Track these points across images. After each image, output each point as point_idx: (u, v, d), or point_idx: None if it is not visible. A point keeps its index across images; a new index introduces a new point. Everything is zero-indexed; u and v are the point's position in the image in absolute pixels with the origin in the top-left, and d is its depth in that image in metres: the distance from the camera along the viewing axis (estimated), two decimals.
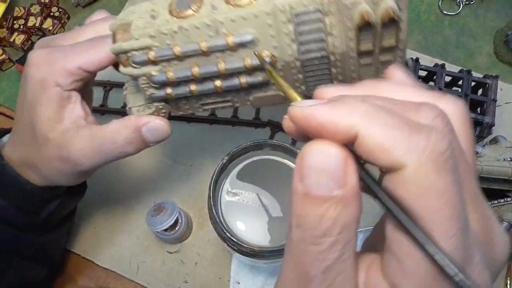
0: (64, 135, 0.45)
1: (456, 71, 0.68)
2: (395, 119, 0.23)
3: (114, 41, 0.39)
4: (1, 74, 0.81)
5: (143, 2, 0.39)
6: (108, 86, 0.77)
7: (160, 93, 0.42)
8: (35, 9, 0.82)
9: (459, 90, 0.66)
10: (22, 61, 0.79)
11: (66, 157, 0.46)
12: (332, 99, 0.25)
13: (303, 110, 0.24)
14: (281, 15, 0.35)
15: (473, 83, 0.67)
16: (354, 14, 0.34)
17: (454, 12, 0.80)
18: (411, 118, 0.24)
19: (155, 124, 0.44)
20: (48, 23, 0.81)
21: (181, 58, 0.38)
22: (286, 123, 0.27)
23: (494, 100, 0.65)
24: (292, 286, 0.25)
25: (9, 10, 0.82)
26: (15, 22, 0.82)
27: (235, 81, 0.40)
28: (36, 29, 0.82)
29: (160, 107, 0.44)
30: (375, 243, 0.28)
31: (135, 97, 0.45)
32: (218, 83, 0.40)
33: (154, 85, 0.41)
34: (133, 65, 0.39)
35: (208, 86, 0.41)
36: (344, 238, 0.24)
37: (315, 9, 0.34)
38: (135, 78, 0.41)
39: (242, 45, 0.37)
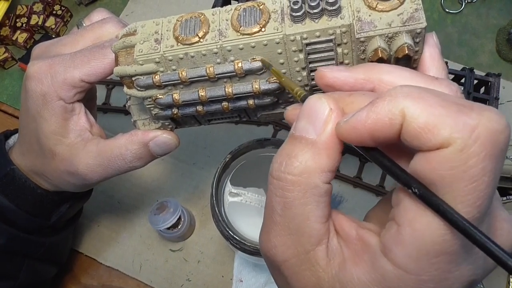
0: (71, 149, 0.45)
1: (459, 69, 0.68)
2: (439, 98, 0.23)
3: (117, 63, 0.38)
4: (4, 73, 0.81)
5: (146, 21, 0.38)
6: (111, 84, 0.77)
7: (166, 113, 0.41)
8: (38, 7, 0.82)
9: (462, 88, 0.66)
10: (24, 59, 0.80)
11: (74, 171, 0.45)
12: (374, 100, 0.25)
13: (347, 125, 0.26)
14: (291, 44, 0.34)
15: (475, 81, 0.67)
16: (368, 48, 0.32)
17: (457, 10, 0.80)
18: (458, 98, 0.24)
19: (162, 138, 0.44)
20: (50, 21, 0.81)
21: (187, 82, 0.37)
22: (289, 114, 0.31)
23: (497, 98, 0.65)
24: (265, 217, 0.29)
25: (11, 8, 0.82)
26: (17, 20, 0.82)
27: (243, 103, 0.39)
28: (38, 27, 0.82)
29: (167, 123, 0.44)
30: (373, 216, 0.30)
31: (139, 108, 0.44)
32: (225, 104, 0.39)
33: (159, 107, 0.40)
34: (138, 88, 0.38)
35: (215, 106, 0.40)
36: (305, 181, 0.27)
37: (327, 39, 0.33)
38: (139, 99, 0.40)
39: (250, 71, 0.36)
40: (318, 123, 0.27)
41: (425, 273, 0.24)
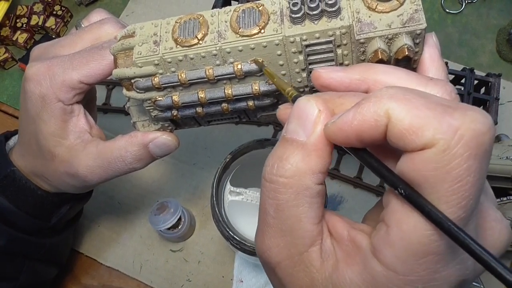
0: (70, 150, 0.45)
1: (459, 69, 0.68)
2: (425, 100, 0.23)
3: (116, 65, 0.38)
4: (4, 73, 0.81)
5: (144, 23, 0.37)
6: (111, 85, 0.77)
7: (165, 114, 0.40)
8: (38, 7, 0.82)
9: (462, 89, 0.66)
10: (24, 59, 0.80)
11: (73, 173, 0.45)
12: (360, 102, 0.25)
13: (334, 126, 0.26)
14: (291, 46, 0.34)
15: (475, 82, 0.67)
16: (368, 49, 0.32)
17: (457, 10, 0.80)
18: (445, 100, 0.24)
19: (162, 139, 0.44)
20: (51, 22, 0.81)
21: (186, 84, 0.37)
22: (281, 113, 0.31)
23: (497, 99, 0.65)
24: (259, 220, 0.29)
25: (11, 8, 0.82)
26: (17, 20, 0.82)
27: (242, 104, 0.39)
28: (39, 28, 0.82)
29: (166, 124, 0.44)
30: (369, 217, 0.30)
31: (139, 110, 0.43)
32: (225, 105, 0.39)
33: (159, 108, 0.40)
34: (137, 90, 0.38)
35: (215, 108, 0.39)
36: (297, 183, 0.27)
37: (327, 40, 0.33)
38: (139, 100, 0.40)
39: (250, 73, 0.36)
40: (307, 125, 0.27)
41: (413, 273, 0.24)
